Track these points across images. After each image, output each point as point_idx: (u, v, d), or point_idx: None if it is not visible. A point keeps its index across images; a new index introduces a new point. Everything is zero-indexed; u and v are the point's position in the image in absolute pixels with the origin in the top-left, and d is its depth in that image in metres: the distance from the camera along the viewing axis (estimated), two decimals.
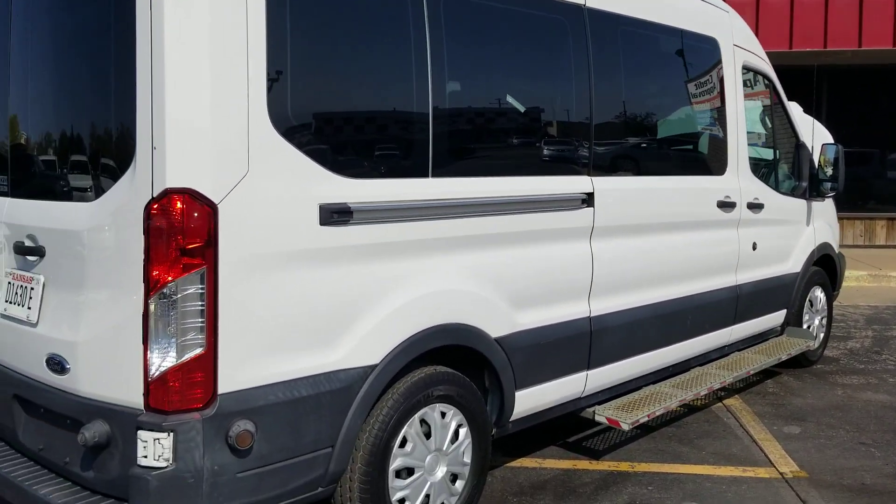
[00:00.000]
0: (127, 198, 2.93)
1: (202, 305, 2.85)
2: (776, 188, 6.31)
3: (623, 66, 4.65)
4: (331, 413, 3.25)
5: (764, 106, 6.36)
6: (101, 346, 3.02)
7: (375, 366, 3.38)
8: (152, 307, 2.83)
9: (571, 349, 4.41)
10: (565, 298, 4.35)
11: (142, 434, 2.85)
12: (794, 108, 6.88)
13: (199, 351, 2.86)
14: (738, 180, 5.71)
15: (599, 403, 4.78)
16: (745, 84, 5.91)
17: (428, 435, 3.67)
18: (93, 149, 3.19)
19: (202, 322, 2.86)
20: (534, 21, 4.12)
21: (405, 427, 3.55)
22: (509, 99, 4.02)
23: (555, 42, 4.24)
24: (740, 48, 5.80)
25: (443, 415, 3.73)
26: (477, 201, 3.78)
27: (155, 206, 2.82)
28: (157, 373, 2.85)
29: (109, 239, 3.02)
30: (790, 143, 6.59)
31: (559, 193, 4.22)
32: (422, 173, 3.58)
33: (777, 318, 6.48)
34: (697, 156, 5.47)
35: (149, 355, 2.85)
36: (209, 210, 2.85)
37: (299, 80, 3.13)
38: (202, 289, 2.85)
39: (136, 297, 2.88)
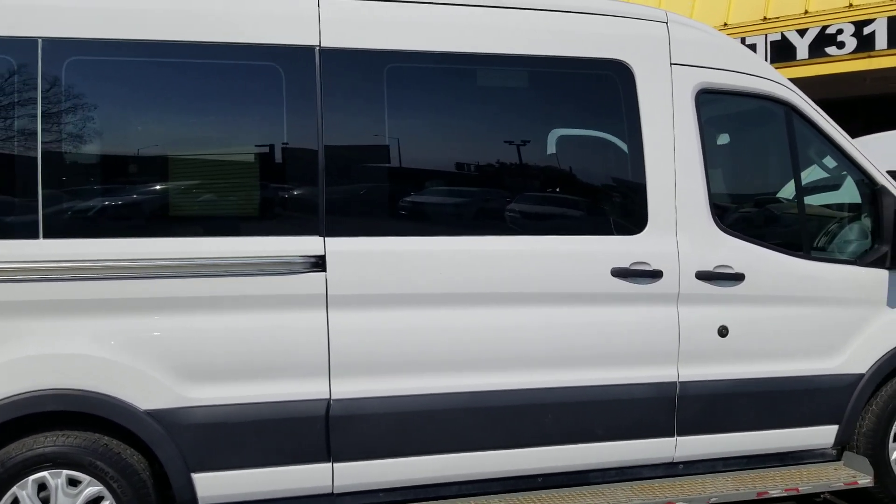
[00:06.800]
0: None
1: None
2: (797, 251, 4.52)
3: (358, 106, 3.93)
4: None
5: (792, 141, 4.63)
6: None
7: None
8: None
9: (294, 435, 3.84)
10: (280, 375, 3.82)
11: None
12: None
13: None
14: (677, 241, 4.26)
15: None
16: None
17: (47, 501, 3.61)
18: None
19: None
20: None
21: (14, 487, 3.57)
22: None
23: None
24: (690, 67, 4.35)
25: (73, 483, 3.63)
26: (104, 265, 3.61)
27: None
28: None
29: None
30: (851, 189, 4.67)
31: (250, 256, 3.75)
32: (29, 235, 3.58)
33: (808, 435, 4.54)
34: (551, 210, 4.26)
35: None
36: None
37: None
38: None
39: None
